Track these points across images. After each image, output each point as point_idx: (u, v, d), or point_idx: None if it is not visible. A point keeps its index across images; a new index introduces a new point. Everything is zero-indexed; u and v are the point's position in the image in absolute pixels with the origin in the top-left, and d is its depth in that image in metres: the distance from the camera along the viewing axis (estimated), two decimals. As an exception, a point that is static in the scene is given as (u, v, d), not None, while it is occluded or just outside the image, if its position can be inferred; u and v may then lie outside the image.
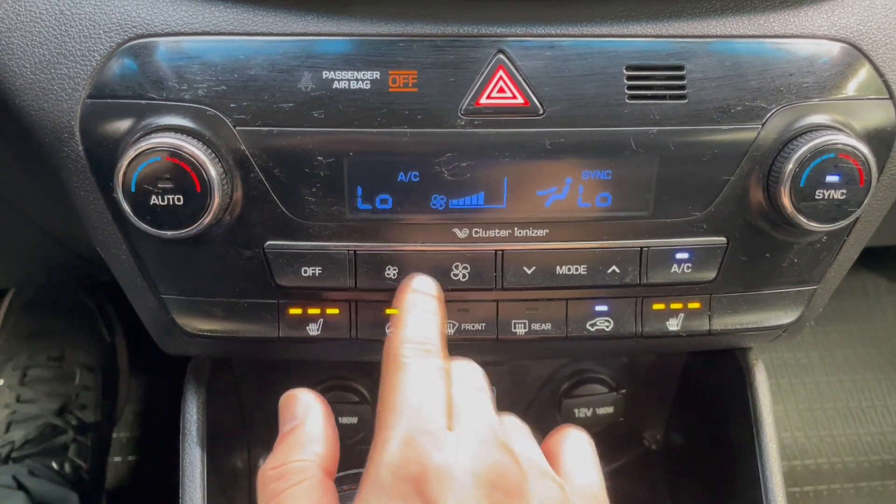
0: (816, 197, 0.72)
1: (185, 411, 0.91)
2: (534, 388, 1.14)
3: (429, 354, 0.63)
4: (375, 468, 0.56)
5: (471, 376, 0.65)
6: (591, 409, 1.13)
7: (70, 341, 1.61)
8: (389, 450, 0.56)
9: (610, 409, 1.13)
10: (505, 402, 1.13)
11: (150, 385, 1.78)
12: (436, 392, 0.60)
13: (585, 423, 1.13)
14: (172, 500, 0.89)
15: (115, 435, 1.69)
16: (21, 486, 1.34)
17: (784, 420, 1.85)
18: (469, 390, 0.63)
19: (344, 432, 1.11)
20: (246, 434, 1.13)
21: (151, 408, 1.77)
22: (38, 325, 1.62)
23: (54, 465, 1.46)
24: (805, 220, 0.73)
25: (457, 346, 0.82)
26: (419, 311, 0.67)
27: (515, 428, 0.65)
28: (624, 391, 1.14)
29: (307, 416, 0.64)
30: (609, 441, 1.25)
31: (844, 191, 0.72)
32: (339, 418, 1.11)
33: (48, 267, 1.38)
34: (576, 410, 1.12)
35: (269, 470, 0.61)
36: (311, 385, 1.11)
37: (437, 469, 0.55)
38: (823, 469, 1.80)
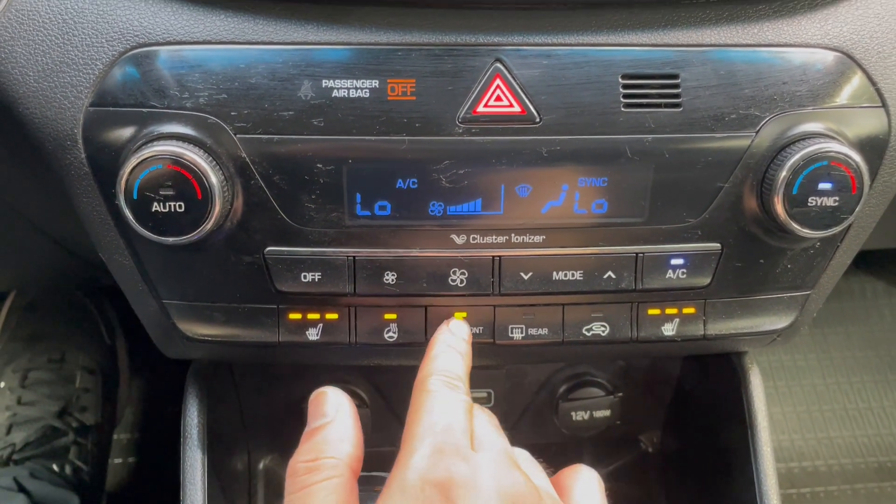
0: (809, 204, 0.73)
1: (186, 414, 0.91)
2: (531, 392, 1.15)
3: (455, 388, 0.67)
4: (403, 472, 0.59)
5: (489, 416, 0.69)
6: (587, 413, 1.13)
7: (71, 344, 1.61)
8: (419, 456, 0.60)
9: (607, 413, 1.14)
10: (502, 405, 1.13)
11: (150, 387, 1.79)
12: (461, 418, 0.64)
13: (582, 427, 1.14)
14: (172, 502, 0.90)
15: (115, 437, 1.70)
16: (22, 489, 1.35)
17: (781, 422, 1.86)
18: (488, 424, 0.67)
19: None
20: (246, 437, 1.14)
21: (151, 410, 1.77)
22: (39, 327, 1.63)
23: (55, 467, 1.46)
24: (798, 227, 0.73)
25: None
26: (451, 350, 0.72)
27: (529, 460, 0.69)
28: (620, 394, 1.15)
29: (338, 414, 0.67)
30: (605, 444, 1.26)
31: (837, 198, 0.73)
32: (339, 421, 1.11)
33: (50, 270, 1.38)
34: (573, 414, 1.13)
35: (301, 462, 0.63)
36: (311, 389, 1.13)
37: (463, 478, 0.58)
38: (821, 471, 1.80)
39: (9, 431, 1.50)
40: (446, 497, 0.57)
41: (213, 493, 0.90)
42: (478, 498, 0.57)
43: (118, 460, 1.71)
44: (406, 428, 0.64)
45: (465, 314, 0.81)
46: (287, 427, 1.15)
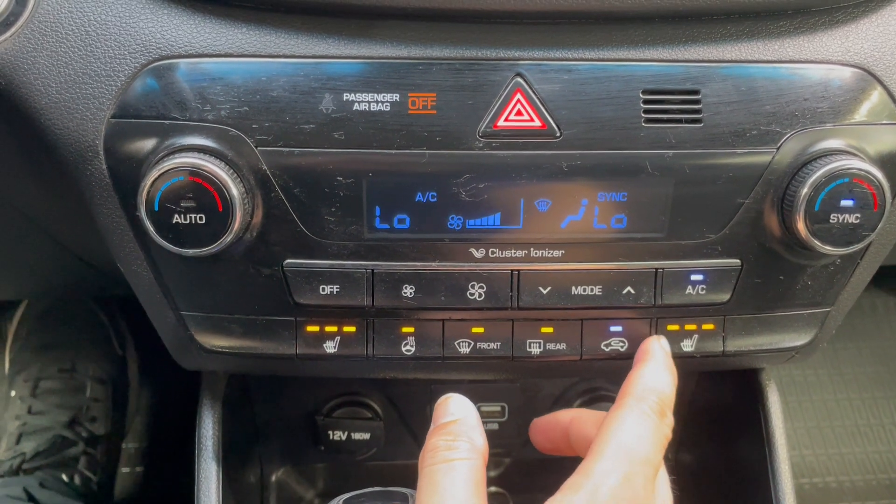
0: (831, 221, 0.73)
1: (201, 426, 0.91)
2: (545, 406, 1.15)
3: (664, 417, 0.70)
4: (592, 482, 0.62)
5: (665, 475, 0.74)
6: (602, 428, 1.12)
7: (81, 354, 1.61)
8: (611, 476, 0.63)
9: (621, 428, 1.13)
10: (516, 419, 1.13)
11: (159, 397, 1.79)
12: (658, 456, 0.68)
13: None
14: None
15: (123, 446, 1.70)
16: (31, 498, 1.35)
17: (792, 437, 1.85)
18: (666, 479, 0.73)
19: (356, 448, 1.12)
20: (258, 449, 1.14)
21: (159, 419, 1.77)
22: (50, 337, 1.63)
23: (64, 477, 1.46)
24: (819, 244, 0.73)
25: (472, 365, 0.83)
26: (666, 371, 0.75)
27: None
28: (635, 410, 1.14)
29: (465, 414, 0.69)
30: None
31: (858, 215, 0.73)
32: (352, 434, 1.11)
33: (63, 280, 1.38)
34: (587, 428, 1.12)
35: (442, 440, 0.66)
36: (325, 401, 1.13)
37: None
38: (831, 487, 1.79)
39: (19, 440, 1.50)
40: None
41: (227, 505, 0.90)
42: None
43: (125, 469, 1.71)
44: (604, 434, 0.66)
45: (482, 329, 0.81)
46: (300, 440, 1.15)
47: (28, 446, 1.48)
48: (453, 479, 0.63)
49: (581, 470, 0.64)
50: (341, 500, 0.71)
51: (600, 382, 1.13)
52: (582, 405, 1.13)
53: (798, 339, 0.85)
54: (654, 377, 0.72)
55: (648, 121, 0.72)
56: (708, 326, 0.82)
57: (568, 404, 1.14)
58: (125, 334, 1.71)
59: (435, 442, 0.66)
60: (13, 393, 1.59)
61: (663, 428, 0.68)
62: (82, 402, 1.57)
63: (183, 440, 1.67)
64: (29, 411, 1.54)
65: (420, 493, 0.63)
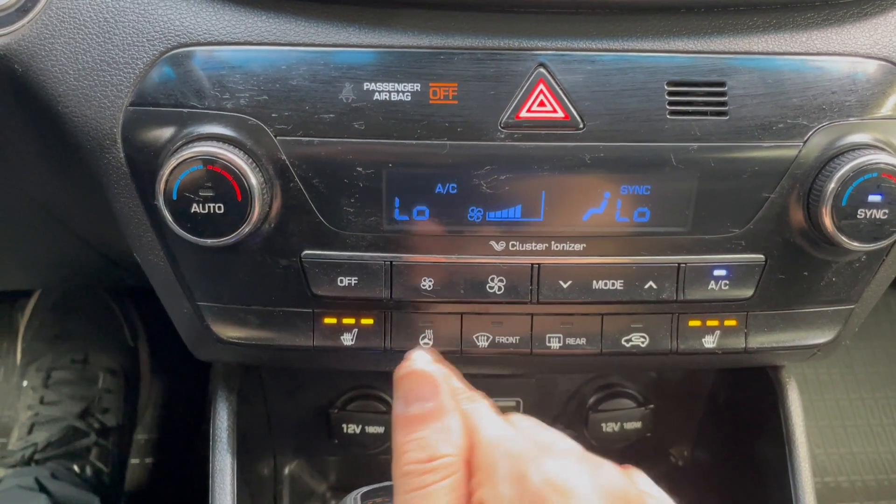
0: (858, 216, 0.72)
1: (216, 418, 0.91)
2: (561, 402, 1.14)
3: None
4: None
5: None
6: (618, 424, 1.12)
7: (94, 344, 1.61)
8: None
9: (637, 425, 1.12)
10: (532, 414, 1.12)
11: (170, 389, 1.79)
12: None
13: (612, 438, 1.13)
14: (189, 503, 0.89)
15: (134, 437, 1.70)
16: (43, 489, 1.35)
17: (804, 436, 1.84)
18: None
19: (369, 441, 1.11)
20: (272, 441, 1.14)
21: (171, 411, 1.78)
22: (62, 327, 1.63)
23: (76, 467, 1.46)
24: (846, 240, 0.72)
25: (490, 359, 0.82)
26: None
27: None
28: (652, 406, 1.13)
29: (440, 399, 0.60)
30: (635, 456, 1.24)
31: (886, 210, 0.71)
32: (366, 427, 1.11)
33: (76, 270, 1.38)
34: (603, 425, 1.12)
35: (415, 464, 0.58)
36: (339, 394, 1.12)
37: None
38: (843, 487, 1.78)
39: (31, 431, 1.50)
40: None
41: (241, 499, 0.89)
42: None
43: (135, 460, 1.71)
44: None
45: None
46: (313, 433, 1.14)
47: (40, 437, 1.48)
48: None
49: None
50: (358, 494, 0.70)
51: (616, 378, 1.12)
52: (598, 401, 1.12)
53: (821, 337, 0.84)
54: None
55: (673, 113, 0.71)
56: (730, 322, 0.81)
57: (584, 400, 1.13)
58: (137, 326, 1.71)
59: (405, 467, 0.59)
60: (25, 383, 1.59)
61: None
62: (94, 393, 1.56)
63: (194, 432, 1.68)
64: (41, 402, 1.54)
65: None
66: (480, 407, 0.63)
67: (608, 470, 0.58)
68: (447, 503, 0.57)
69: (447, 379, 0.62)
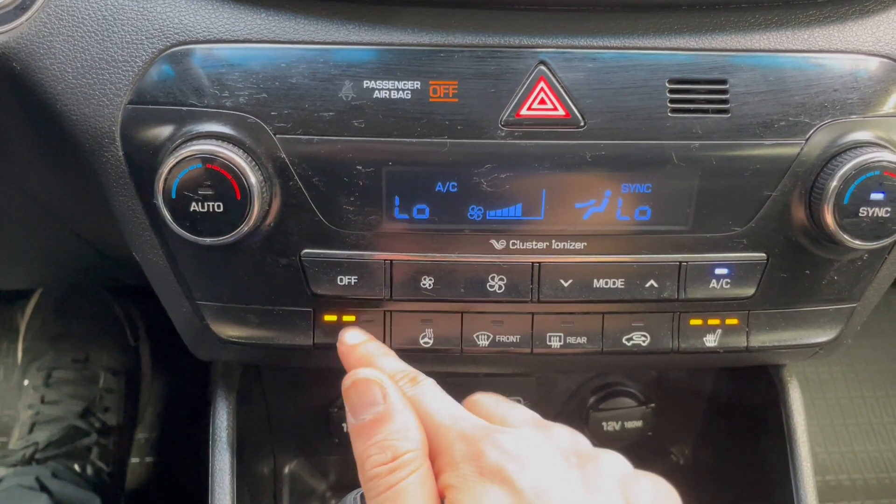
0: (860, 214, 0.71)
1: (216, 417, 0.90)
2: (561, 401, 1.14)
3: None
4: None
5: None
6: (619, 423, 1.12)
7: (95, 344, 1.61)
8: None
9: (638, 423, 1.12)
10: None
11: (171, 389, 1.79)
12: None
13: (613, 437, 1.12)
14: (189, 502, 0.89)
15: (135, 436, 1.70)
16: (44, 488, 1.35)
17: (804, 435, 1.84)
18: None
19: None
20: (271, 441, 1.13)
21: (171, 411, 1.78)
22: (63, 327, 1.63)
23: (77, 467, 1.47)
24: (848, 238, 0.72)
25: (490, 358, 0.82)
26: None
27: None
28: (653, 405, 1.13)
29: (389, 399, 0.64)
30: (636, 455, 1.24)
31: (889, 209, 0.71)
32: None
33: (77, 269, 1.38)
34: (604, 424, 1.11)
35: (379, 467, 0.61)
36: (339, 393, 1.11)
37: None
38: (844, 485, 1.79)
39: (32, 430, 1.50)
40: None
41: (241, 498, 0.89)
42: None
43: (136, 460, 1.71)
44: None
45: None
46: (313, 432, 1.14)
47: (41, 436, 1.48)
48: None
49: None
50: (359, 494, 0.70)
51: (617, 377, 1.12)
52: (598, 400, 1.12)
53: (823, 335, 0.83)
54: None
55: (675, 111, 0.71)
56: (731, 321, 0.80)
57: (584, 399, 1.13)
58: (138, 326, 1.71)
59: (371, 470, 0.61)
60: (26, 382, 1.59)
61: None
62: (95, 392, 1.57)
63: (194, 431, 1.68)
64: (42, 401, 1.54)
65: None
66: (426, 389, 0.67)
67: (558, 431, 0.64)
68: (420, 496, 0.60)
69: (383, 377, 0.66)
